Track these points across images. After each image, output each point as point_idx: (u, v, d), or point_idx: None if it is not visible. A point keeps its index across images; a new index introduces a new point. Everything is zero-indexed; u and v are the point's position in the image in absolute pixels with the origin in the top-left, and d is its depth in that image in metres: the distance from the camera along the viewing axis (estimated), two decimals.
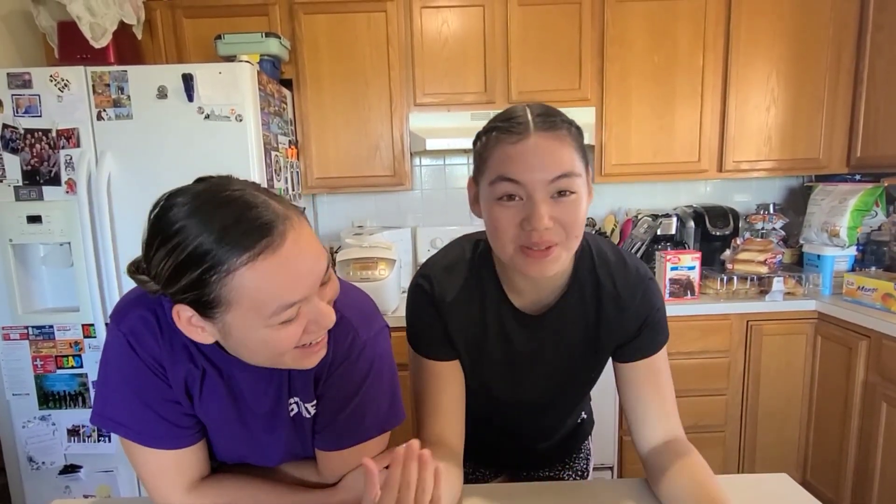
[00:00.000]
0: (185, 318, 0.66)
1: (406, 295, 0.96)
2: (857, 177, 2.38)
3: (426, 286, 0.91)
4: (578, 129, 0.79)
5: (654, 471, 0.88)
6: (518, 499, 0.90)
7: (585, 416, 1.22)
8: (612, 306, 0.89)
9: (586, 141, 2.60)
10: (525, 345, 0.92)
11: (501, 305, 0.90)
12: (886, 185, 2.23)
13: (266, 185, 1.90)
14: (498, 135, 0.76)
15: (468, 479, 1.13)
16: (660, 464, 0.87)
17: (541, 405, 1.00)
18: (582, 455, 1.23)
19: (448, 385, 0.93)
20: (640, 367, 0.91)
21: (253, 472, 0.87)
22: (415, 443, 0.64)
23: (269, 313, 0.62)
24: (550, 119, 0.75)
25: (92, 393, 1.92)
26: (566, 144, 0.75)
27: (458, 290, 0.90)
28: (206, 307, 0.63)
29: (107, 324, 1.84)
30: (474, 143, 0.83)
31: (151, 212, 0.66)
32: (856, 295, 2.09)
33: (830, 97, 2.37)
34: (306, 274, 0.64)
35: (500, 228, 0.77)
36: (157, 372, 0.76)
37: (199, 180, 0.69)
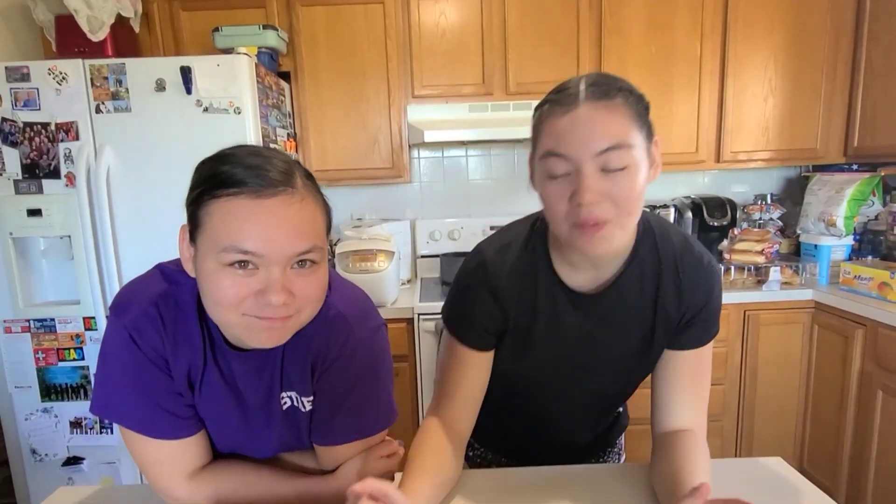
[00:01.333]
0: (185, 242, 0.72)
1: (458, 272, 0.93)
2: (855, 167, 2.39)
3: (478, 268, 0.88)
4: (639, 96, 0.74)
5: (654, 451, 0.88)
6: (530, 483, 0.91)
7: (621, 410, 1.18)
8: (671, 290, 0.85)
9: None
10: (576, 328, 0.88)
11: (554, 286, 0.86)
12: (883, 174, 2.24)
13: None
14: (549, 108, 0.73)
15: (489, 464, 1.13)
16: (662, 445, 0.86)
17: (586, 395, 0.97)
18: (615, 450, 1.19)
19: (474, 374, 0.90)
20: (686, 357, 0.88)
21: (252, 460, 0.88)
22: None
23: (221, 247, 0.65)
24: (603, 87, 0.71)
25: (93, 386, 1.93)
26: (618, 113, 0.70)
27: (510, 267, 0.87)
28: (193, 227, 0.69)
29: (107, 316, 1.85)
30: (533, 118, 0.79)
31: None
32: (852, 284, 2.11)
33: (828, 87, 2.38)
34: (273, 238, 0.65)
35: (552, 205, 0.75)
36: (159, 365, 0.77)
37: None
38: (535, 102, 2.50)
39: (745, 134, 2.42)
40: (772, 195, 2.63)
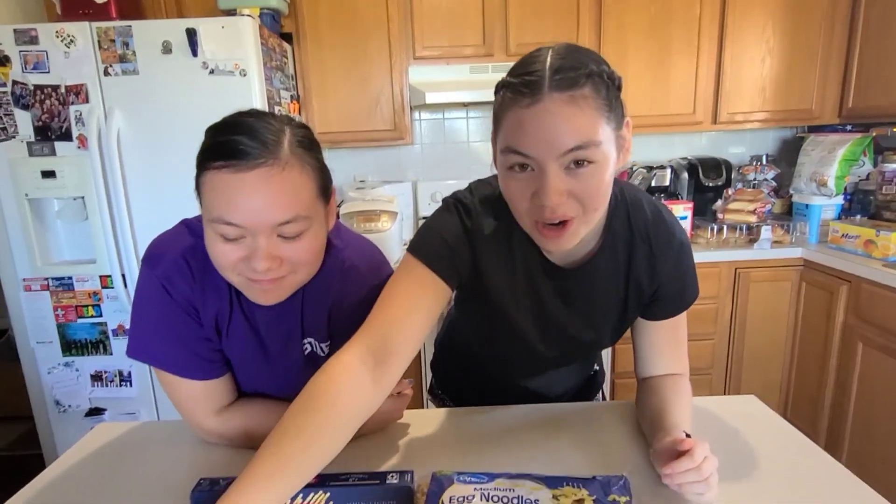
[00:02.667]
0: (199, 204, 0.78)
1: (434, 212, 0.89)
2: (849, 127, 2.43)
3: (463, 210, 0.84)
4: (608, 77, 0.67)
5: (639, 392, 0.95)
6: (514, 420, 0.99)
7: (598, 368, 1.20)
8: (643, 262, 0.85)
9: None
10: (552, 297, 0.87)
11: (530, 254, 0.85)
12: (875, 134, 2.28)
13: None
14: (511, 95, 0.67)
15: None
16: (646, 386, 0.94)
17: (561, 355, 0.97)
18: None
19: (425, 298, 0.80)
20: (664, 323, 0.91)
21: (274, 398, 0.96)
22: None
23: (211, 217, 0.72)
24: (570, 74, 0.64)
25: (112, 340, 2.02)
26: (585, 107, 0.64)
27: (493, 227, 0.83)
28: (197, 189, 0.75)
29: (119, 274, 1.93)
30: (494, 94, 0.74)
31: None
32: (840, 242, 2.18)
33: (825, 48, 2.40)
34: (251, 210, 0.70)
35: (514, 201, 0.73)
36: (189, 312, 0.85)
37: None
38: None
39: (742, 95, 2.45)
40: (767, 156, 2.68)
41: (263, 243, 0.72)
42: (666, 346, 0.92)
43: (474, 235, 0.83)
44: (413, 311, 0.78)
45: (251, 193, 0.70)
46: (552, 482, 0.67)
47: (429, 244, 0.83)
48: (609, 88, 0.67)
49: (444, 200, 0.88)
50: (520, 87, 0.66)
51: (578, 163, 0.66)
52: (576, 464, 0.82)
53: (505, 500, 0.63)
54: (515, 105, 0.67)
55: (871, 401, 1.98)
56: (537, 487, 0.65)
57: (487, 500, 0.63)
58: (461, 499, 0.64)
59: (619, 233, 0.84)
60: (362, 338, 0.76)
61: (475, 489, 0.65)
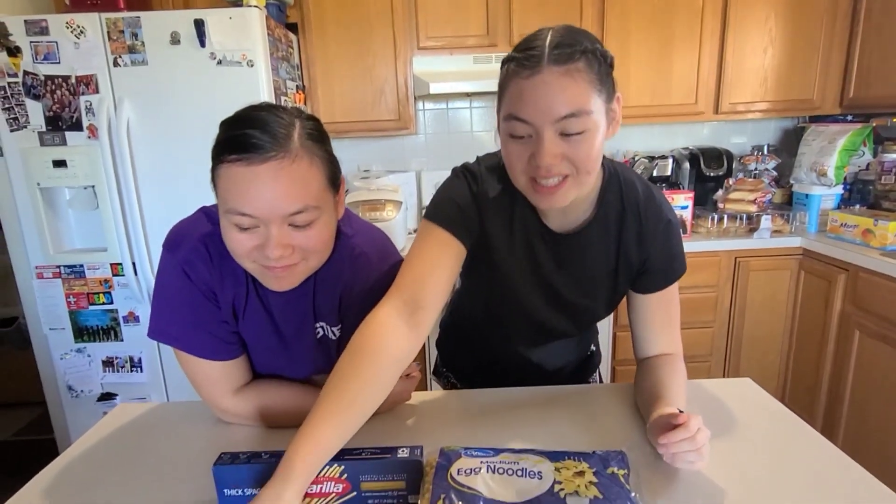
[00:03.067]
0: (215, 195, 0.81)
1: (444, 182, 0.96)
2: (849, 117, 2.45)
3: (470, 177, 0.92)
4: (601, 55, 0.75)
5: (637, 373, 1.00)
6: (513, 402, 1.03)
7: (594, 349, 1.25)
8: (633, 236, 0.91)
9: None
10: (548, 261, 0.94)
11: (529, 220, 0.92)
12: (875, 125, 2.30)
13: None
14: (514, 67, 0.75)
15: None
16: (643, 366, 0.99)
17: (558, 322, 1.01)
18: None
19: (447, 262, 0.88)
20: (653, 298, 0.95)
21: (288, 379, 1.01)
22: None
23: (226, 208, 0.76)
24: (567, 50, 0.72)
25: (123, 327, 2.07)
26: (579, 80, 0.72)
27: (498, 192, 0.91)
28: (213, 182, 0.78)
29: (130, 262, 1.96)
30: (501, 68, 0.80)
31: None
32: (838, 231, 2.21)
33: (827, 38, 2.41)
34: (264, 201, 0.74)
35: (512, 163, 0.80)
36: (208, 296, 0.89)
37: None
38: None
39: (743, 85, 2.47)
40: (768, 146, 2.70)
41: (275, 232, 0.76)
42: (658, 325, 0.97)
43: (480, 199, 0.91)
44: (437, 268, 0.86)
45: (263, 185, 0.73)
46: (554, 456, 0.70)
47: (442, 208, 0.91)
48: (601, 65, 0.75)
49: (454, 169, 0.96)
50: (522, 61, 0.74)
51: (571, 130, 0.74)
52: (576, 440, 0.86)
53: (510, 472, 0.67)
54: (517, 76, 0.74)
55: (866, 388, 2.02)
56: (540, 461, 0.69)
57: (493, 472, 0.67)
58: (468, 471, 0.68)
59: (612, 205, 0.91)
60: (395, 294, 0.84)
61: (482, 462, 0.69)
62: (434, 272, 0.86)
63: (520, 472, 0.67)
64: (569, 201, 0.80)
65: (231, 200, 0.74)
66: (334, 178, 0.83)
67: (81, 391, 2.13)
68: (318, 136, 0.81)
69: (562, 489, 0.64)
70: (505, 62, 0.78)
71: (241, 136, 0.73)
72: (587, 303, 0.98)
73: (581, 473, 0.67)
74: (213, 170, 0.77)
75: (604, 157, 0.89)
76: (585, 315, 1.01)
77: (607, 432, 0.89)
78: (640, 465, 0.76)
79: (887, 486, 0.73)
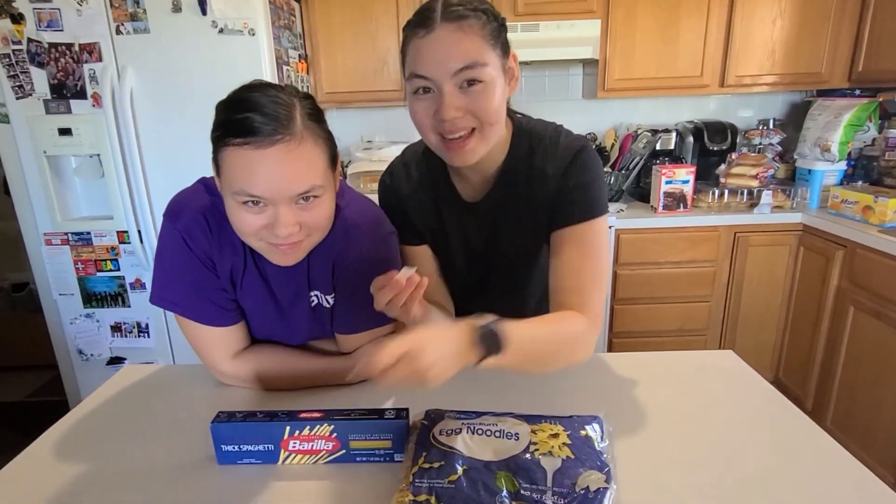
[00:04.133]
0: (215, 174, 0.83)
1: None
2: (857, 92, 2.41)
3: (387, 180, 1.02)
4: (494, 16, 0.80)
5: None
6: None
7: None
8: (539, 183, 0.91)
9: (589, 55, 2.52)
10: (476, 231, 1.00)
11: (451, 196, 0.99)
12: (882, 100, 2.27)
13: None
14: (411, 30, 0.80)
15: None
16: None
17: (506, 288, 1.06)
18: None
19: (425, 267, 0.99)
20: (563, 235, 0.89)
21: (284, 344, 1.05)
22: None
23: (234, 190, 0.77)
24: (458, 9, 0.77)
25: (130, 293, 2.12)
26: (472, 34, 0.76)
27: (414, 183, 0.99)
28: (216, 165, 0.80)
29: (136, 230, 2.00)
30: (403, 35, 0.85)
31: None
32: (839, 208, 2.21)
33: (839, 8, 2.36)
34: (274, 183, 0.76)
35: (419, 121, 0.83)
36: (207, 265, 0.92)
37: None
38: (545, 24, 2.49)
39: (750, 58, 2.43)
40: (774, 120, 2.67)
41: (284, 212, 0.78)
42: (569, 272, 0.87)
43: (399, 197, 1.01)
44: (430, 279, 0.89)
45: (272, 168, 0.75)
46: (532, 419, 0.74)
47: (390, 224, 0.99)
48: (493, 22, 0.80)
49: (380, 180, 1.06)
50: (417, 23, 0.79)
51: (470, 82, 0.78)
52: (557, 406, 0.89)
53: (489, 433, 0.71)
54: (414, 37, 0.79)
55: (858, 364, 2.05)
56: (518, 423, 0.73)
57: (473, 433, 0.71)
58: (450, 431, 0.72)
59: (521, 162, 0.93)
60: None
61: (462, 423, 0.73)
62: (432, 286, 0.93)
63: (498, 434, 0.71)
64: (478, 157, 0.85)
65: (239, 182, 0.76)
66: (334, 156, 0.86)
67: (91, 355, 2.20)
68: (317, 115, 0.83)
69: (536, 449, 0.68)
70: (404, 28, 0.82)
71: (246, 120, 0.74)
72: (524, 257, 1.02)
73: (556, 436, 0.70)
74: (217, 151, 0.78)
75: (518, 114, 0.95)
76: (525, 267, 1.03)
77: (589, 399, 0.92)
78: (616, 430, 0.80)
79: (870, 459, 0.76)
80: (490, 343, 0.68)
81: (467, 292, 1.08)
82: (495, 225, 0.98)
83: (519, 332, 0.71)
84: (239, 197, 0.77)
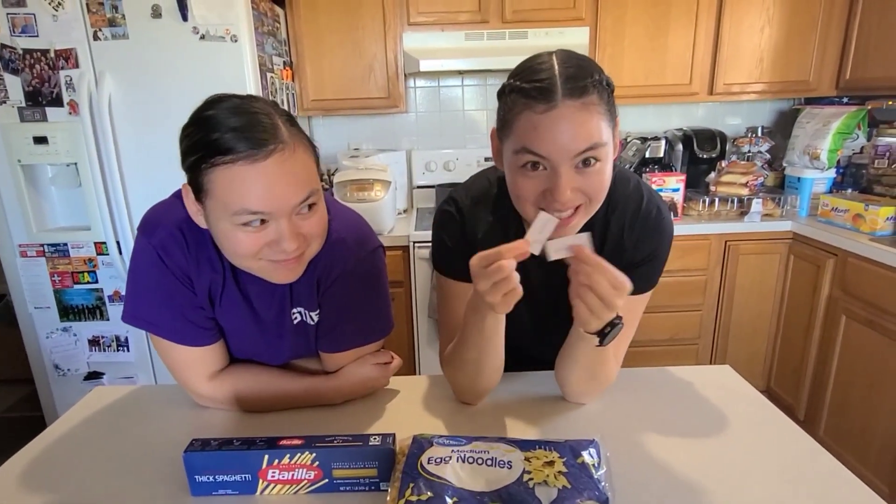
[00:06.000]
0: (190, 199, 0.77)
1: (434, 218, 0.99)
2: (845, 100, 2.42)
3: (457, 215, 0.93)
4: (607, 84, 0.75)
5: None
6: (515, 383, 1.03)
7: None
8: (612, 247, 0.90)
9: None
10: (543, 285, 0.94)
11: None
12: (870, 108, 2.27)
13: None
14: (524, 100, 0.73)
15: None
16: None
17: (553, 335, 0.98)
18: None
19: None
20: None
21: (265, 364, 1.00)
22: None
23: (232, 211, 0.72)
24: (581, 83, 0.71)
25: (108, 306, 2.05)
26: (595, 113, 0.71)
27: (486, 226, 0.92)
28: (197, 190, 0.75)
29: (114, 241, 1.94)
30: (499, 97, 0.79)
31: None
32: (829, 216, 2.20)
33: (826, 17, 2.37)
34: (277, 195, 0.72)
35: (522, 195, 0.78)
36: (183, 281, 0.87)
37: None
38: (533, 31, 2.46)
39: (739, 66, 2.43)
40: (762, 128, 2.67)
41: (287, 225, 0.74)
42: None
43: (470, 238, 0.92)
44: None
45: (272, 180, 0.71)
46: (525, 445, 0.70)
47: (443, 257, 0.95)
48: (609, 94, 0.75)
49: (441, 203, 0.97)
50: (532, 93, 0.72)
51: (586, 162, 0.73)
52: (550, 429, 0.86)
53: (479, 461, 0.67)
54: (529, 110, 0.72)
55: (850, 373, 2.04)
56: (511, 450, 0.69)
57: (463, 462, 0.67)
58: (438, 459, 0.67)
59: (598, 224, 0.89)
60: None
61: (452, 451, 0.69)
62: None
63: (489, 462, 0.67)
64: (577, 231, 0.79)
65: (238, 201, 0.71)
66: (318, 160, 0.82)
67: (68, 370, 2.13)
68: (293, 119, 0.79)
69: (531, 479, 0.64)
70: (508, 92, 0.76)
71: (233, 135, 0.70)
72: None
73: (551, 463, 0.66)
74: (198, 175, 0.72)
75: None
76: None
77: (584, 419, 0.89)
78: (613, 455, 0.76)
79: (864, 469, 0.74)
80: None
81: (519, 330, 1.01)
82: (563, 277, 0.92)
83: None
84: (239, 218, 0.72)
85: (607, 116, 0.74)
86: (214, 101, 0.74)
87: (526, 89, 0.72)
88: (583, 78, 0.71)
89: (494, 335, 0.83)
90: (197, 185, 0.74)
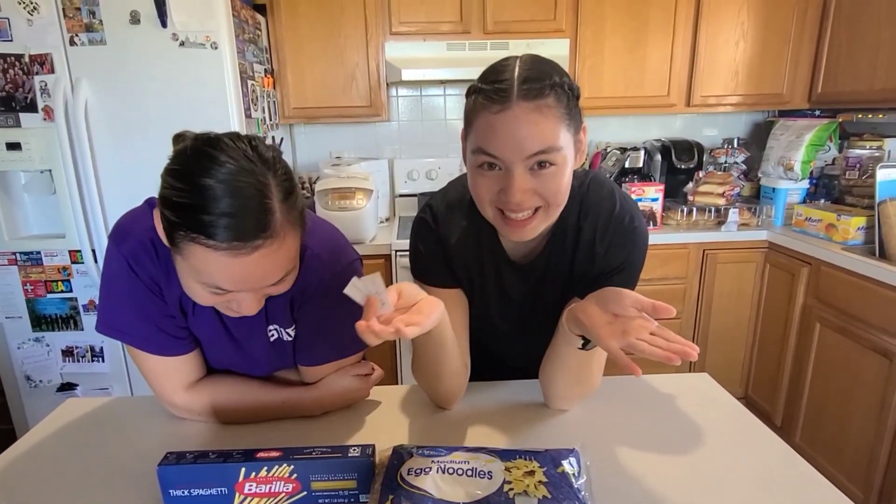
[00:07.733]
0: (158, 223, 0.74)
1: (411, 227, 0.98)
2: (817, 112, 2.48)
3: (431, 223, 0.93)
4: (569, 88, 0.74)
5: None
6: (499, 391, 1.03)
7: None
8: (585, 254, 0.89)
9: None
10: (518, 289, 0.95)
11: (496, 252, 0.93)
12: (841, 120, 2.34)
13: (244, 115, 1.93)
14: (482, 100, 0.74)
15: None
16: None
17: (535, 338, 1.00)
18: None
19: (452, 311, 0.89)
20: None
21: (242, 376, 0.98)
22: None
23: (201, 280, 0.71)
24: (537, 85, 0.71)
25: (83, 316, 2.01)
26: (549, 116, 0.71)
27: (460, 231, 0.92)
28: (170, 239, 0.71)
29: (90, 249, 1.91)
30: (465, 97, 0.80)
31: (200, 144, 0.69)
32: (803, 225, 2.25)
33: (798, 32, 2.43)
34: (250, 283, 0.72)
35: (479, 195, 0.79)
36: (154, 290, 0.86)
37: (251, 141, 0.72)
38: (514, 42, 2.48)
39: (715, 78, 2.48)
40: (738, 139, 2.73)
41: (252, 296, 0.75)
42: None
43: (444, 244, 0.92)
44: (454, 325, 0.87)
45: (250, 270, 0.70)
46: (505, 455, 0.70)
47: (421, 264, 0.95)
48: (570, 98, 0.74)
49: (418, 214, 0.97)
50: (490, 94, 0.73)
51: (541, 164, 0.73)
52: (531, 438, 0.86)
53: (460, 472, 0.66)
54: (486, 110, 0.73)
55: (825, 380, 2.07)
56: (491, 460, 0.69)
57: (444, 472, 0.66)
58: (418, 471, 0.67)
59: (570, 230, 0.89)
60: None
61: (433, 462, 0.68)
62: (456, 328, 0.89)
63: (470, 472, 0.66)
64: (537, 234, 0.81)
65: (208, 278, 0.70)
66: (304, 226, 0.79)
67: (40, 381, 2.07)
68: (292, 188, 0.74)
69: (511, 489, 0.64)
70: (471, 93, 0.77)
71: (225, 222, 0.65)
72: (559, 309, 0.94)
73: (531, 473, 0.66)
74: (175, 232, 0.68)
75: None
76: (558, 317, 0.98)
77: (564, 428, 0.89)
78: (593, 464, 0.76)
79: (839, 474, 0.75)
80: None
81: (494, 334, 1.04)
82: (537, 282, 0.94)
83: None
84: (209, 288, 0.72)
85: (566, 121, 0.73)
86: (212, 162, 0.67)
87: (486, 90, 0.74)
88: (539, 80, 0.71)
89: (446, 341, 0.84)
90: (172, 237, 0.70)
